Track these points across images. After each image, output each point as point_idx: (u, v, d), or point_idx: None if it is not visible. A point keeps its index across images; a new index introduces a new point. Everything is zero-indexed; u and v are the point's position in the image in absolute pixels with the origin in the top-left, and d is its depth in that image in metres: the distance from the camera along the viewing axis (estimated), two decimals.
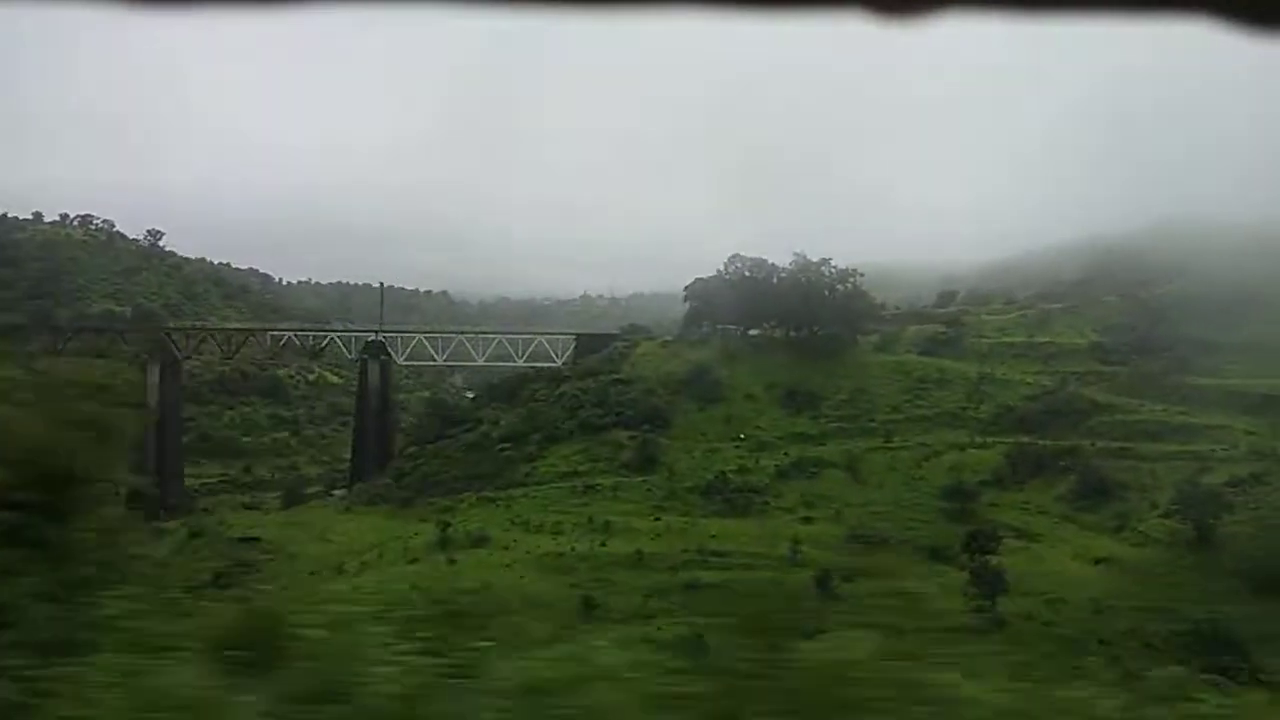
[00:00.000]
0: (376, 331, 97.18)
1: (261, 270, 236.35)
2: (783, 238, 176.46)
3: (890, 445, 79.02)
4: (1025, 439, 76.62)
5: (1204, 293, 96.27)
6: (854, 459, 75.89)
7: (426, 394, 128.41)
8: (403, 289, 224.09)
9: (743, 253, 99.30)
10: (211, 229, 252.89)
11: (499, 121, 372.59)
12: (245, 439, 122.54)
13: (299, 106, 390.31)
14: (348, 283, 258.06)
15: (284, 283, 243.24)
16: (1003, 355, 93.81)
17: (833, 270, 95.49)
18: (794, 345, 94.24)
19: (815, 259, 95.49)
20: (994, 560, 53.84)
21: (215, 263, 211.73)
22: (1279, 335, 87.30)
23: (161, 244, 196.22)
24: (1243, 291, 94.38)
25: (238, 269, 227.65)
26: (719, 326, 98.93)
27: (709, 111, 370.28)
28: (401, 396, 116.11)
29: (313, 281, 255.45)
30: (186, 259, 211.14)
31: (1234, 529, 56.51)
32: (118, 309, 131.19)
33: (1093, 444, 73.64)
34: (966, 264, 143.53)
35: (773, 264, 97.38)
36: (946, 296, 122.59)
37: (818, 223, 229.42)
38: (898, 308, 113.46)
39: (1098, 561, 57.46)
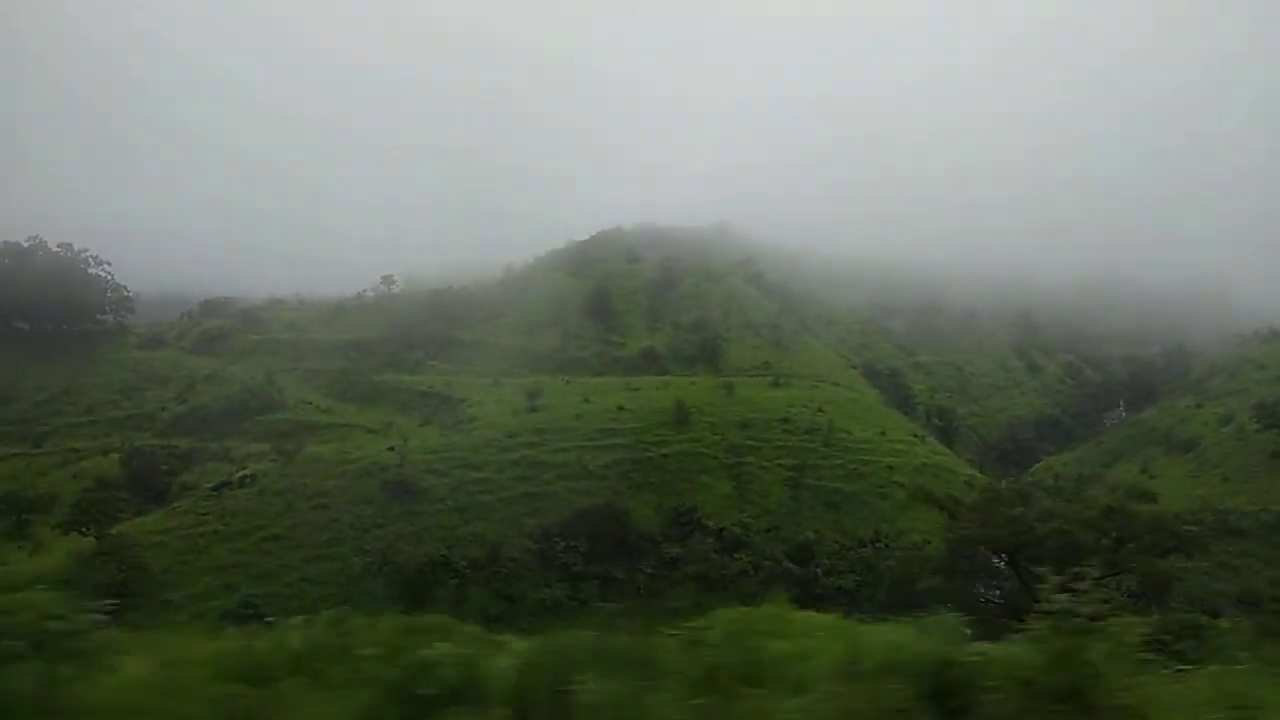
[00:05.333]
0: None
1: None
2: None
3: (36, 452, 73.60)
4: (186, 440, 73.99)
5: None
6: None
7: None
8: None
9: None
10: None
11: None
12: None
13: None
14: None
15: None
16: (268, 351, 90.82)
17: (85, 259, 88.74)
18: (32, 339, 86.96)
19: (56, 244, 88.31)
20: None
21: None
22: (501, 333, 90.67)
23: None
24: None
25: None
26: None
27: None
28: None
29: None
30: None
31: None
32: None
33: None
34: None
35: (26, 245, 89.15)
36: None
37: None
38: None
39: None
